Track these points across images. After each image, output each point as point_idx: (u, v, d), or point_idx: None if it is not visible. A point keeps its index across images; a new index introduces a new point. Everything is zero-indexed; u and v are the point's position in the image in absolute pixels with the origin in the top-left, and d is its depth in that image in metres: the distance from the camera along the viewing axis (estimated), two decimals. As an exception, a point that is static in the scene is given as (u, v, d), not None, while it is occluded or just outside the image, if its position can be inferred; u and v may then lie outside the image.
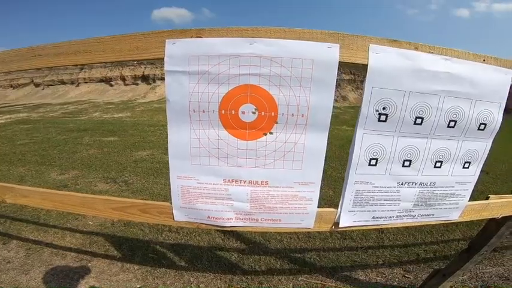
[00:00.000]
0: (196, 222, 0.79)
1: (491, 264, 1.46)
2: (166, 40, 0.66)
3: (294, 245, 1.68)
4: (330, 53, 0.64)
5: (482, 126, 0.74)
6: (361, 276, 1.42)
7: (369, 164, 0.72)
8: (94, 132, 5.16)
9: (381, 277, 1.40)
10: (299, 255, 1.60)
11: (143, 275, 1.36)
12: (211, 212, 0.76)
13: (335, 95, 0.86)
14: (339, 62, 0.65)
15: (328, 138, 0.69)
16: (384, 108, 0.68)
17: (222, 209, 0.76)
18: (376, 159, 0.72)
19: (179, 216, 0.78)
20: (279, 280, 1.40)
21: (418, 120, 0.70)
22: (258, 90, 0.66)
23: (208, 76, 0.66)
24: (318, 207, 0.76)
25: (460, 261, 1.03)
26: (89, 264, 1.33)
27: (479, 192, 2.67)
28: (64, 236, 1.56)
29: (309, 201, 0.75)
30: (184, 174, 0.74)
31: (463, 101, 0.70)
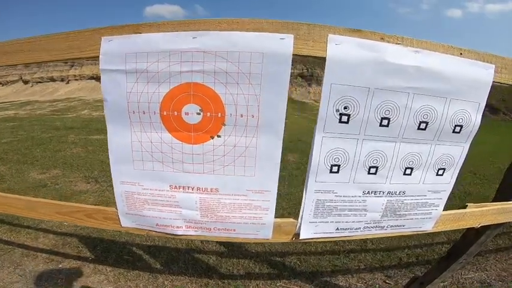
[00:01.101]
0: (146, 229, 0.73)
1: (473, 269, 1.40)
2: (103, 38, 0.60)
3: (275, 248, 1.62)
4: (282, 45, 0.56)
5: (457, 129, 0.66)
6: (341, 282, 1.36)
7: (331, 171, 0.65)
8: (81, 131, 5.13)
9: (362, 283, 1.34)
10: (279, 259, 1.55)
11: (115, 277, 1.32)
12: (159, 220, 0.70)
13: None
14: (294, 55, 0.57)
15: (283, 141, 0.62)
16: (345, 108, 0.60)
17: (170, 217, 0.70)
18: (338, 166, 0.65)
19: (126, 222, 0.72)
20: (256, 285, 1.36)
21: (385, 122, 0.62)
22: (202, 88, 0.59)
23: (147, 75, 0.59)
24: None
25: (438, 270, 0.97)
26: (60, 266, 1.30)
27: (466, 194, 2.62)
28: (37, 236, 1.53)
29: (265, 211, 0.68)
30: (127, 179, 0.67)
31: (435, 99, 0.62)
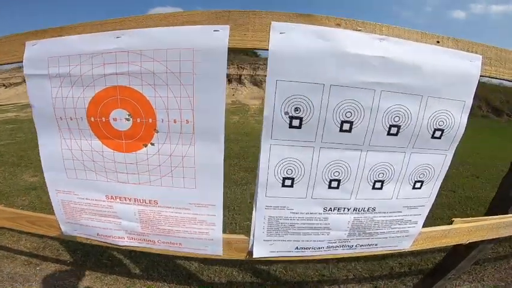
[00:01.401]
0: (89, 238, 0.67)
1: (469, 279, 1.26)
2: (26, 42, 0.55)
3: (261, 255, 1.54)
4: (216, 39, 0.48)
5: (437, 133, 0.55)
6: (327, 293, 1.27)
7: (283, 185, 0.56)
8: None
9: (349, 296, 1.24)
10: (264, 267, 1.47)
11: (92, 281, 1.30)
12: (100, 230, 0.65)
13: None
14: (231, 48, 0.49)
15: (225, 149, 0.54)
16: (296, 110, 0.51)
17: (110, 227, 0.64)
18: (292, 179, 0.56)
19: (68, 231, 0.68)
20: (238, 295, 1.29)
21: (346, 126, 0.53)
22: (129, 92, 0.52)
23: (70, 79, 0.53)
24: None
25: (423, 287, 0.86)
26: (37, 268, 1.29)
27: (468, 198, 2.41)
28: (20, 239, 1.53)
29: (211, 226, 0.61)
30: (62, 188, 0.62)
31: (408, 98, 0.52)
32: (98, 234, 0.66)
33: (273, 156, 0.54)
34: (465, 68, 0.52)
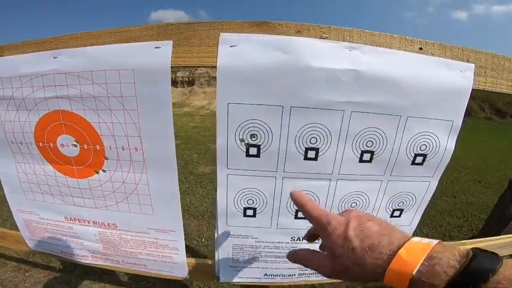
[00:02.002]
0: (54, 254, 0.67)
1: None
2: None
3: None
4: (157, 57, 0.42)
5: (419, 159, 0.48)
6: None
7: (245, 215, 0.52)
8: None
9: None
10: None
11: (79, 288, 1.34)
12: (63, 248, 0.65)
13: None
14: (174, 66, 0.43)
15: (178, 176, 0.50)
16: (252, 137, 0.45)
17: (72, 246, 0.64)
18: (254, 209, 0.51)
19: (34, 246, 0.68)
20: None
21: (311, 153, 0.46)
22: (73, 117, 0.48)
23: (14, 102, 0.50)
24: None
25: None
26: (26, 274, 1.34)
27: (469, 204, 2.27)
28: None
29: (174, 251, 0.58)
30: (22, 208, 0.62)
31: (383, 119, 0.44)
32: (62, 252, 0.66)
33: (231, 187, 0.49)
34: (454, 80, 0.43)
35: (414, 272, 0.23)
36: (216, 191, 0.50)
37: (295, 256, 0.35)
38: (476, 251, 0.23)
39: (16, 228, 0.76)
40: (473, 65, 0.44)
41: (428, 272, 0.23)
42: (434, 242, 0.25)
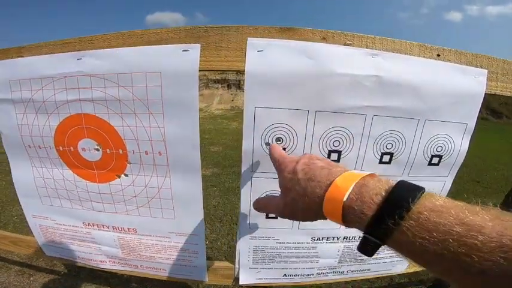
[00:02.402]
0: (71, 260, 0.66)
1: None
2: None
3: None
4: (185, 60, 0.43)
5: (435, 160, 0.50)
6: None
7: (267, 217, 0.53)
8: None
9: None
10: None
11: (83, 293, 1.31)
12: (80, 253, 0.64)
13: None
14: (202, 70, 0.44)
15: (201, 180, 0.50)
16: (278, 140, 0.46)
17: (90, 252, 0.63)
18: (276, 208, 0.52)
19: (49, 252, 0.67)
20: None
21: (334, 156, 0.48)
22: (95, 120, 0.47)
23: (33, 104, 0.49)
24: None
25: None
26: (31, 279, 1.30)
27: (469, 203, 2.36)
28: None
29: (194, 254, 0.58)
30: (38, 213, 0.61)
31: (403, 122, 0.46)
32: (79, 257, 0.65)
33: (255, 189, 0.50)
34: (469, 85, 0.46)
35: (345, 199, 0.24)
36: (240, 194, 0.50)
37: (257, 205, 0.38)
38: (401, 181, 0.23)
39: (17, 232, 0.75)
40: (486, 71, 0.46)
41: (358, 199, 0.23)
42: (368, 172, 0.26)
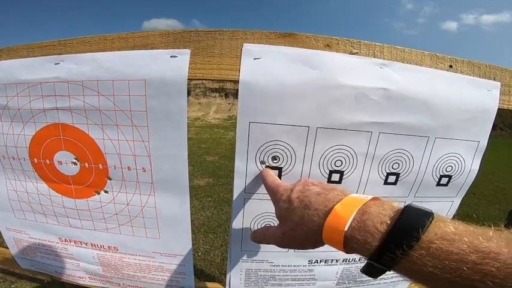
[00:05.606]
0: (48, 274, 0.62)
1: None
2: None
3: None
4: (173, 67, 0.38)
5: (444, 180, 0.46)
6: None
7: None
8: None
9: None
10: None
11: (65, 303, 1.26)
12: (57, 268, 0.59)
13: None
14: (191, 79, 0.39)
15: (190, 199, 0.46)
16: (274, 159, 0.42)
17: (68, 267, 0.58)
18: (270, 231, 0.48)
19: (24, 265, 0.62)
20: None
21: (335, 176, 0.43)
22: (74, 132, 0.43)
23: (9, 112, 0.45)
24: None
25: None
26: (12, 286, 1.25)
27: (465, 215, 2.35)
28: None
29: (181, 275, 0.54)
30: (11, 226, 0.56)
31: (411, 140, 0.42)
32: (56, 272, 0.60)
33: (248, 211, 0.45)
34: (482, 99, 0.42)
35: (346, 228, 0.22)
36: (232, 214, 0.46)
37: (255, 237, 0.36)
38: (408, 206, 0.21)
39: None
40: (499, 84, 0.42)
41: (360, 228, 0.22)
42: (370, 197, 0.24)
